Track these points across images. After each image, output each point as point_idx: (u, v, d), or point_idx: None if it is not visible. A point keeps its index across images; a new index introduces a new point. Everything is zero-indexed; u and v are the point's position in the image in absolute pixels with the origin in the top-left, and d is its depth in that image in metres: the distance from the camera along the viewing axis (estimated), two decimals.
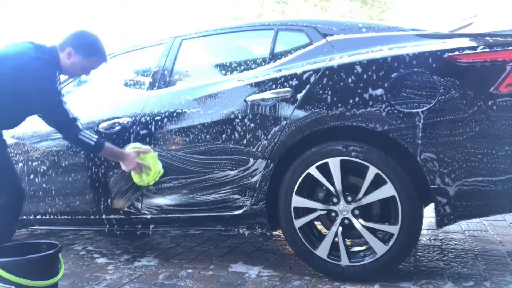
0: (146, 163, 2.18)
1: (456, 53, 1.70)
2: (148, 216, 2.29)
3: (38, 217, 2.65)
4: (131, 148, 2.22)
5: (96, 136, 2.15)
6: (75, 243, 2.97)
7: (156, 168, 2.18)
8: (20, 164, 2.66)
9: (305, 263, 2.02)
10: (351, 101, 1.80)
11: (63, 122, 2.08)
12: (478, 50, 1.68)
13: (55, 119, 2.11)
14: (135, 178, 2.24)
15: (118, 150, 2.22)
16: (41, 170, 2.58)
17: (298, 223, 1.94)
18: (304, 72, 1.92)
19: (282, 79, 1.97)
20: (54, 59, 2.10)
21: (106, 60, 2.23)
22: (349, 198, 1.87)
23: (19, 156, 2.67)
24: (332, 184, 1.88)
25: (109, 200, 2.39)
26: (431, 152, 1.69)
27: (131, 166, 2.18)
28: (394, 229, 1.79)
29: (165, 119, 2.21)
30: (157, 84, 2.40)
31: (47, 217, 2.61)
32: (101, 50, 2.17)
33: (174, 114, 2.19)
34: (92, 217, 2.46)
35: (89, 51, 2.14)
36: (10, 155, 2.69)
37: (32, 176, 2.62)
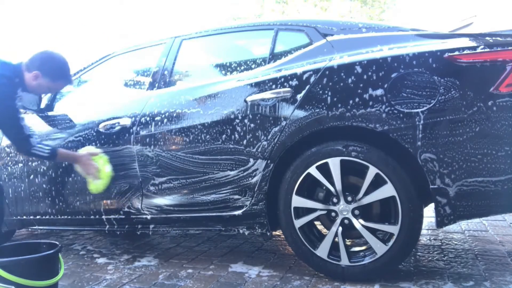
0: (97, 165, 2.28)
1: (456, 53, 1.70)
2: (148, 216, 2.29)
3: (38, 217, 2.65)
4: (83, 150, 2.34)
5: (49, 147, 2.25)
6: (75, 243, 2.97)
7: (104, 171, 2.27)
8: (20, 165, 2.66)
9: (305, 263, 2.02)
10: (351, 101, 1.80)
11: (19, 138, 2.20)
12: (478, 50, 1.68)
13: (10, 134, 2.22)
14: (90, 185, 2.33)
15: (72, 153, 2.35)
16: (41, 170, 2.58)
17: (298, 223, 1.95)
18: (304, 72, 1.92)
19: (282, 79, 1.97)
20: (18, 77, 2.19)
21: (72, 83, 2.39)
22: (349, 198, 1.87)
23: (19, 156, 2.67)
24: (332, 184, 1.88)
25: (109, 200, 2.39)
26: (431, 152, 1.69)
27: (86, 167, 2.29)
28: (394, 229, 1.79)
29: (165, 119, 2.21)
30: (157, 84, 2.40)
31: (47, 217, 2.61)
32: (67, 74, 2.30)
33: (174, 114, 2.19)
34: (92, 217, 2.46)
35: (56, 76, 2.26)
36: (10, 155, 2.71)
37: (32, 176, 2.62)
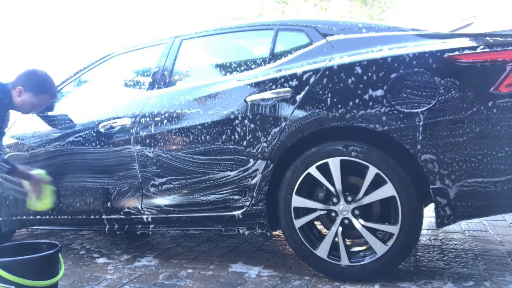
0: (44, 191, 2.42)
1: (456, 53, 1.70)
2: (148, 217, 2.29)
3: (38, 217, 2.65)
4: (37, 172, 2.44)
5: (9, 165, 2.29)
6: (75, 243, 2.97)
7: (48, 200, 2.44)
8: (22, 164, 2.66)
9: (305, 263, 2.02)
10: (351, 101, 1.80)
11: None
12: (478, 50, 1.68)
13: None
14: (29, 200, 2.45)
15: (26, 172, 2.41)
16: (41, 170, 2.58)
17: (298, 223, 1.95)
18: (304, 73, 1.92)
19: (282, 79, 1.97)
20: (7, 98, 2.27)
21: (56, 97, 2.47)
22: (349, 198, 1.87)
23: (21, 156, 2.67)
24: (332, 184, 1.88)
25: (109, 200, 2.39)
26: (431, 153, 1.69)
27: (33, 188, 2.40)
28: (394, 229, 1.79)
29: (165, 120, 2.21)
30: (157, 85, 2.39)
31: (47, 217, 2.61)
32: (50, 88, 2.36)
33: (174, 115, 2.19)
34: (92, 217, 2.46)
35: (38, 89, 2.30)
36: (11, 154, 2.71)
37: None
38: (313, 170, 1.89)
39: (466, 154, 1.66)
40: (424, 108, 1.70)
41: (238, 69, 2.25)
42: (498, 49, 1.66)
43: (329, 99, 1.84)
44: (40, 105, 2.36)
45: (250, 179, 2.01)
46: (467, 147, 1.65)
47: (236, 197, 2.06)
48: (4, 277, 1.56)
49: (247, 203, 2.04)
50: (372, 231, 1.85)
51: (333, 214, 1.91)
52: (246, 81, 2.08)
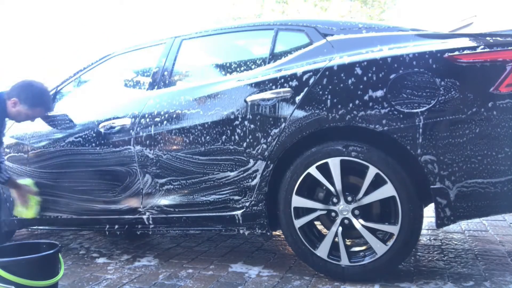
0: (30, 201, 2.53)
1: (456, 53, 1.70)
2: (149, 217, 2.29)
3: (38, 217, 2.65)
4: (26, 182, 2.53)
5: (8, 175, 2.41)
6: (75, 243, 2.97)
7: (33, 209, 2.54)
8: (21, 165, 2.66)
9: (305, 263, 2.02)
10: (351, 101, 1.80)
11: None
12: (478, 50, 1.68)
13: None
14: (16, 207, 2.56)
15: (16, 182, 2.48)
16: (42, 170, 2.58)
17: (298, 223, 1.95)
18: (304, 73, 1.92)
19: (282, 80, 1.97)
20: (1, 107, 2.29)
21: (51, 110, 2.49)
22: (349, 198, 1.87)
23: (20, 156, 2.67)
24: (332, 184, 1.88)
25: (110, 201, 2.39)
26: (431, 153, 1.69)
27: (20, 197, 2.50)
28: (394, 229, 1.79)
29: (165, 120, 2.21)
30: (156, 85, 2.39)
31: (47, 217, 2.61)
32: (45, 102, 2.38)
33: (174, 115, 2.19)
34: (92, 217, 2.46)
35: (33, 103, 2.31)
36: (10, 155, 2.71)
37: (32, 176, 2.62)
38: (313, 170, 1.89)
39: (466, 155, 1.66)
40: (424, 108, 1.70)
41: (238, 69, 2.25)
42: (498, 49, 1.66)
43: (329, 99, 1.84)
44: (34, 116, 2.39)
45: (250, 180, 2.01)
46: (467, 148, 1.65)
47: (236, 197, 2.06)
48: (4, 277, 1.56)
49: (247, 204, 2.04)
50: (372, 231, 1.85)
51: (333, 214, 1.91)
52: (246, 81, 2.08)
